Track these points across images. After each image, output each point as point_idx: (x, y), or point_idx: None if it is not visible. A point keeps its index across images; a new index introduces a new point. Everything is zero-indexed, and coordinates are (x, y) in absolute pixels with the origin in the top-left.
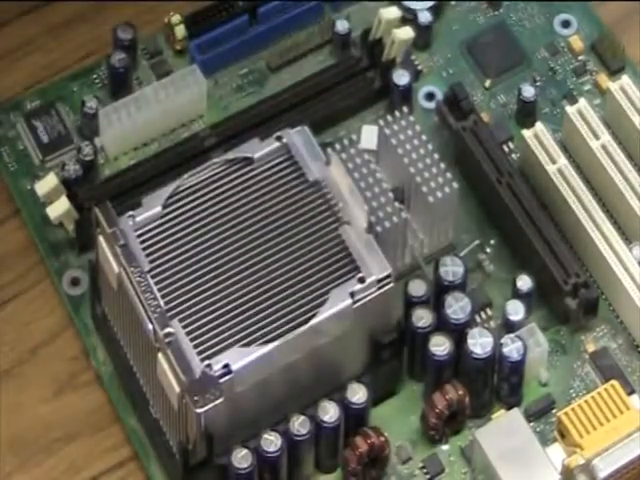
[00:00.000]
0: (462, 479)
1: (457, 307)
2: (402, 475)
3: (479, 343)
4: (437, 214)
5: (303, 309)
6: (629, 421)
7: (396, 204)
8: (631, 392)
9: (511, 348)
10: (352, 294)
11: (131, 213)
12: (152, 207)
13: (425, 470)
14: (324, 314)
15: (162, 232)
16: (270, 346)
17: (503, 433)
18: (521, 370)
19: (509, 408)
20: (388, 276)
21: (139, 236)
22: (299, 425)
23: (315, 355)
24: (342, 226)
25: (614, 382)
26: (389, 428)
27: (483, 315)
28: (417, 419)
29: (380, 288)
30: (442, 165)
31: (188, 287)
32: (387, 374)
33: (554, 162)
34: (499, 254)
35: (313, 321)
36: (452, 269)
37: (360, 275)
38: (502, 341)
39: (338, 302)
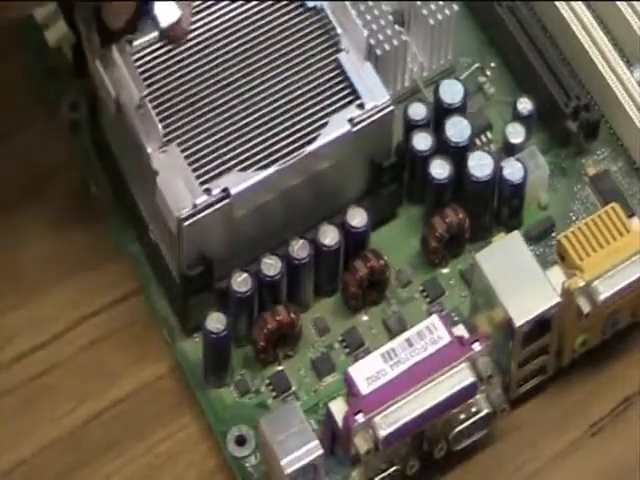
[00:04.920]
0: (461, 302)
1: (457, 130)
2: (402, 299)
3: (479, 166)
4: (437, 36)
5: (301, 134)
6: (629, 243)
7: (396, 27)
8: (631, 215)
9: (511, 171)
10: (351, 120)
11: (129, 37)
12: (149, 31)
13: (425, 293)
14: (323, 140)
15: (160, 56)
16: (269, 170)
17: (503, 255)
18: (521, 193)
19: (509, 231)
20: (387, 102)
21: (136, 60)
22: (299, 249)
23: (315, 179)
24: (341, 53)
25: (614, 204)
26: (389, 252)
27: (483, 138)
28: (417, 243)
29: (379, 113)
30: None
31: (186, 112)
32: (387, 197)
33: None
34: (500, 77)
35: (311, 146)
36: (451, 91)
37: (359, 101)
38: (502, 164)
39: (337, 128)
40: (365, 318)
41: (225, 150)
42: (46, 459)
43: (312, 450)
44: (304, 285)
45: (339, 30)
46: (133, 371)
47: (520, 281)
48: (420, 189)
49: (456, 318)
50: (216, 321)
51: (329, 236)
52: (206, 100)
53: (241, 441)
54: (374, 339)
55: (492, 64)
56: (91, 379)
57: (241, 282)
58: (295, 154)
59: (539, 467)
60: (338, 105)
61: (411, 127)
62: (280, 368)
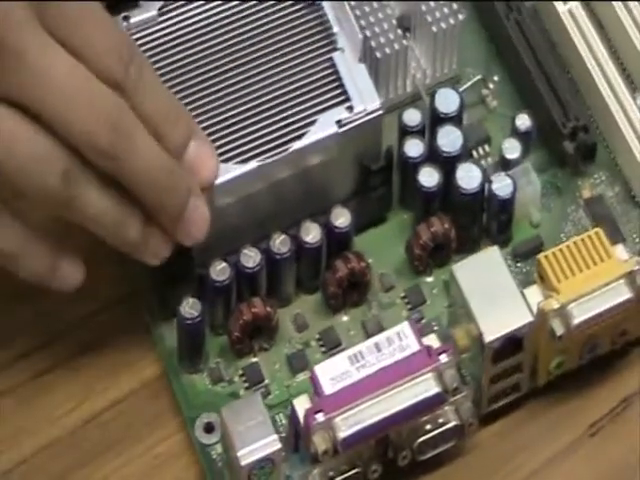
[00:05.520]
0: (442, 312)
1: (449, 140)
2: (383, 303)
3: (467, 177)
4: (440, 44)
5: (288, 130)
6: (609, 270)
7: (399, 31)
8: (620, 241)
9: (500, 186)
10: (339, 121)
11: (125, 14)
12: (148, 10)
13: (406, 300)
14: (309, 138)
15: (155, 39)
16: (251, 164)
17: (480, 269)
18: (510, 208)
19: (500, 246)
20: (376, 106)
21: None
22: (280, 243)
23: (301, 176)
24: (336, 52)
25: (598, 229)
26: (375, 255)
27: (480, 151)
28: (404, 249)
29: (367, 117)
30: None
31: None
32: (375, 201)
33: (565, 2)
34: (504, 90)
35: (297, 144)
36: (447, 101)
37: (349, 104)
38: (492, 178)
39: (324, 128)
40: (345, 319)
41: (211, 139)
42: (45, 459)
43: (270, 444)
44: (284, 280)
45: (336, 29)
46: (132, 371)
47: (495, 297)
48: (411, 195)
49: (436, 328)
50: (191, 307)
51: (311, 233)
52: (196, 88)
53: (209, 428)
54: (351, 340)
55: (495, 77)
56: (90, 379)
57: (219, 271)
58: (280, 150)
59: (537, 469)
60: (328, 105)
61: (405, 133)
62: (255, 360)
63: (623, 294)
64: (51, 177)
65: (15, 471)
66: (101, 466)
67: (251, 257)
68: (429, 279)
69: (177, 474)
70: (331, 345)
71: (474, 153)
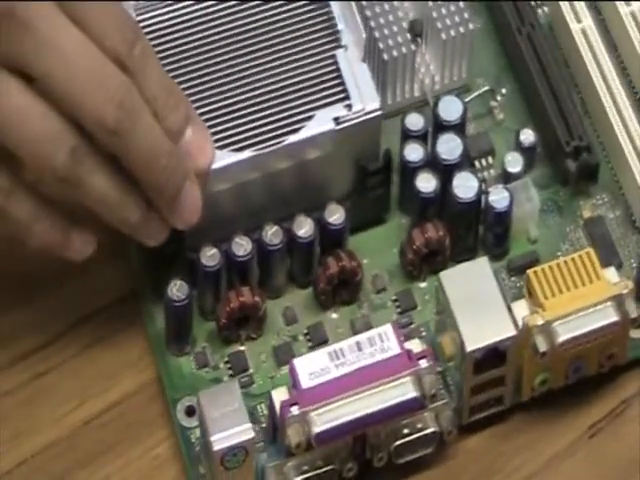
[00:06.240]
0: (432, 318)
1: (448, 147)
2: (374, 304)
3: (464, 187)
4: (450, 52)
5: (285, 123)
6: (597, 291)
7: (407, 35)
8: (616, 264)
9: (497, 198)
10: (336, 119)
11: None
12: None
13: (397, 303)
14: (305, 133)
15: (162, 21)
16: (245, 154)
17: (468, 279)
18: (506, 221)
19: (495, 258)
20: (376, 106)
21: (137, 21)
22: (272, 235)
23: (297, 170)
24: (339, 50)
25: (589, 249)
26: (370, 256)
27: (484, 162)
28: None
29: (365, 117)
30: (462, 4)
31: (175, 82)
32: (372, 201)
33: (579, 21)
34: (512, 104)
35: (292, 138)
36: (450, 108)
37: (347, 102)
38: (489, 190)
39: (321, 124)
40: (334, 316)
41: (208, 125)
42: (45, 460)
43: (243, 432)
44: (275, 272)
45: (341, 26)
46: (132, 373)
47: (480, 307)
48: (410, 200)
49: (424, 334)
50: (178, 289)
51: (304, 228)
52: (198, 73)
53: (190, 412)
54: (338, 338)
55: (504, 90)
56: (91, 380)
57: (210, 257)
58: (275, 142)
59: (536, 470)
60: (327, 101)
61: (407, 137)
62: (241, 348)
63: (609, 317)
64: (60, 154)
65: (15, 472)
66: (101, 467)
67: (242, 246)
68: (422, 285)
69: (176, 475)
70: (318, 341)
71: (477, 163)
